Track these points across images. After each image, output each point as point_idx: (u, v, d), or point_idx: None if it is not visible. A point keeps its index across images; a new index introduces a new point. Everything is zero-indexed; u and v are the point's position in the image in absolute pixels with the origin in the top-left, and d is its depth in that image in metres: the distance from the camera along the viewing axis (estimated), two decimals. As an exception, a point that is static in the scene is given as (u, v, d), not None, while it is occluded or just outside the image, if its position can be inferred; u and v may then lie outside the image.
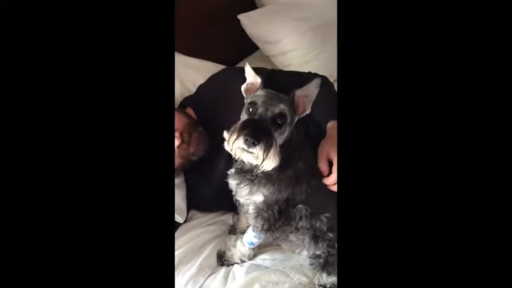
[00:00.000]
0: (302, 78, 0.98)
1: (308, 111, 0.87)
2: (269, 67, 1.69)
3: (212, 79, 1.31)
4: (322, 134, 1.01)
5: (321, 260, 0.99)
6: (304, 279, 1.05)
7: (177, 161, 1.11)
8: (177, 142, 1.08)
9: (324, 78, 1.23)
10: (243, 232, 1.15)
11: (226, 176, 0.97)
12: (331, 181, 0.91)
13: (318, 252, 0.99)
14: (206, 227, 1.20)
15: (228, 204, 1.10)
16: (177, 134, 1.08)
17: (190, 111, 1.28)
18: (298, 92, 0.84)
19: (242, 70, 0.90)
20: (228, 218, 1.27)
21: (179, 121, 1.12)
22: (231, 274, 1.07)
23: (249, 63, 0.89)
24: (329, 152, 0.92)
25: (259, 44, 1.86)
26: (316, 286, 1.04)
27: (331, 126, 1.00)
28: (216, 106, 1.21)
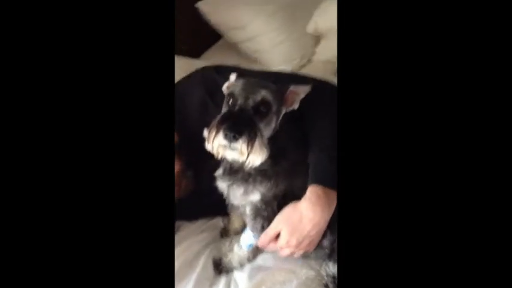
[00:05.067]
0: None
1: (295, 107, 0.82)
2: (236, 55, 1.61)
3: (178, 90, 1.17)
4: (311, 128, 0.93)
5: (327, 250, 0.93)
6: (312, 273, 0.99)
7: None
8: None
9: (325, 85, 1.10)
10: (237, 233, 1.08)
11: (213, 179, 0.89)
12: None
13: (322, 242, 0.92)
14: (196, 236, 1.11)
15: (216, 208, 1.04)
16: None
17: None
18: (292, 88, 0.80)
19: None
20: (218, 222, 1.18)
21: None
22: (232, 282, 0.99)
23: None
24: (283, 228, 0.84)
25: (223, 31, 1.76)
26: (325, 277, 0.98)
27: (309, 195, 0.82)
28: (192, 113, 1.09)
